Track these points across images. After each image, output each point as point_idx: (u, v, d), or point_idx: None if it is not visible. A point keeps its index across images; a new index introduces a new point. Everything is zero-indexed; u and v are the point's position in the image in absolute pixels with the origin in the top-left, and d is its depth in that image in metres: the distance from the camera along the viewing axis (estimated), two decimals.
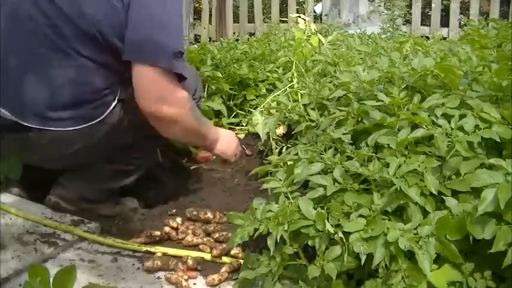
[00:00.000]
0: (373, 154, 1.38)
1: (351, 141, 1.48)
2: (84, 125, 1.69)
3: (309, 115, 1.77)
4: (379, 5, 5.70)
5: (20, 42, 1.69)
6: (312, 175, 1.39)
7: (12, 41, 1.70)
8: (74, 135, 1.70)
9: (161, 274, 1.58)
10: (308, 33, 2.76)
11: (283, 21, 5.87)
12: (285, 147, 2.12)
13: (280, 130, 2.24)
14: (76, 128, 1.69)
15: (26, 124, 1.68)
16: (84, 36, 1.63)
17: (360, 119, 1.55)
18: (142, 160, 1.96)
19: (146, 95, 1.61)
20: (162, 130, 1.72)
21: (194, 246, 1.73)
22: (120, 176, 1.94)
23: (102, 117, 1.70)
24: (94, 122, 1.69)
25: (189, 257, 1.63)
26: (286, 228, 1.30)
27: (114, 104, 1.72)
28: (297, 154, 1.51)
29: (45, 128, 1.68)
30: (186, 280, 1.53)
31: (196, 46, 3.43)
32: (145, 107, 1.62)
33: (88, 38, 1.63)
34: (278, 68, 2.69)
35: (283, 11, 6.37)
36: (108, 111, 1.71)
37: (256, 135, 2.27)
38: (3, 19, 1.72)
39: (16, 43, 1.70)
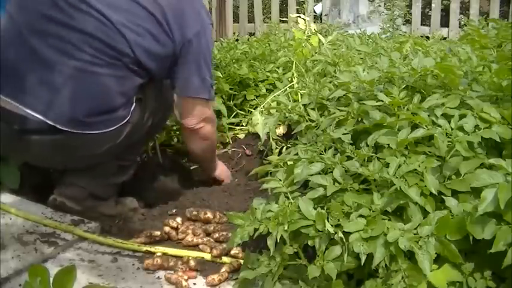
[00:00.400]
0: (373, 154, 1.38)
1: (351, 141, 1.48)
2: (113, 128, 1.79)
3: (309, 115, 1.77)
4: (379, 5, 5.70)
5: (58, 52, 1.73)
6: (312, 175, 1.39)
7: (49, 47, 1.73)
8: (104, 137, 1.80)
9: (161, 274, 1.58)
10: (308, 33, 2.75)
11: (283, 21, 5.87)
12: (285, 147, 2.12)
13: (280, 130, 2.24)
14: (106, 130, 1.78)
15: (60, 127, 1.72)
16: (128, 50, 1.76)
17: (360, 119, 1.55)
18: (135, 156, 2.09)
19: (191, 117, 1.99)
20: (196, 144, 2.09)
21: (194, 246, 1.73)
22: (121, 171, 1.98)
23: (128, 117, 1.82)
24: (121, 123, 1.81)
25: (189, 257, 1.63)
26: (286, 228, 1.30)
27: (134, 104, 1.85)
28: (297, 154, 1.51)
29: (80, 131, 1.75)
30: (186, 280, 1.53)
31: None
32: (191, 126, 2.01)
33: (129, 53, 1.77)
34: (278, 68, 2.69)
35: (283, 11, 6.37)
36: (131, 112, 1.84)
37: (256, 135, 2.27)
38: (39, 23, 1.75)
39: (54, 52, 1.73)
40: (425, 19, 6.00)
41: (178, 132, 2.49)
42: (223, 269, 1.58)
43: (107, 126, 1.78)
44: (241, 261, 1.57)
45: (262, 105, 2.36)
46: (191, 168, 2.37)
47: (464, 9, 6.08)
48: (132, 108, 1.84)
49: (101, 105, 1.77)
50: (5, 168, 1.95)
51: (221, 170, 2.27)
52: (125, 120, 1.81)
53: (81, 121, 1.74)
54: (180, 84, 1.95)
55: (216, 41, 4.73)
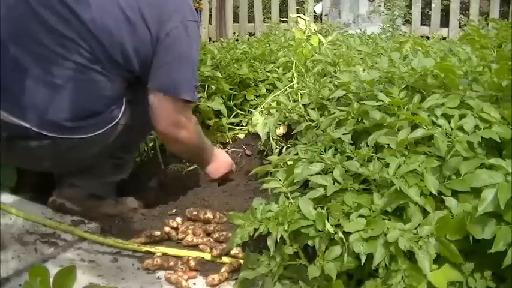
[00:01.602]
0: (373, 154, 1.38)
1: (351, 141, 1.48)
2: (102, 130, 1.77)
3: (309, 115, 1.76)
4: (379, 5, 5.70)
5: (41, 56, 1.72)
6: (312, 175, 1.39)
7: (31, 54, 1.72)
8: (92, 140, 1.78)
9: (161, 274, 1.58)
10: (308, 33, 2.76)
11: (283, 21, 5.87)
12: (285, 147, 2.12)
13: (280, 130, 2.24)
14: (94, 134, 1.77)
15: (45, 133, 1.72)
16: (106, 54, 1.74)
17: (360, 119, 1.54)
18: (131, 154, 2.09)
19: (164, 121, 1.83)
20: (170, 147, 2.00)
21: (194, 246, 1.73)
22: (119, 169, 1.99)
23: (117, 120, 1.81)
24: (110, 125, 1.79)
25: (189, 257, 1.63)
26: (286, 228, 1.30)
27: (124, 105, 1.83)
28: (297, 154, 1.50)
29: (67, 136, 1.74)
30: (186, 280, 1.53)
31: None
32: (162, 129, 1.85)
33: (108, 56, 1.74)
34: (278, 68, 2.69)
35: (283, 11, 6.37)
36: (121, 113, 1.82)
37: (256, 135, 2.26)
38: (20, 32, 1.74)
39: (36, 56, 1.72)
40: (425, 19, 6.00)
41: None
42: (223, 269, 1.58)
43: (95, 130, 1.77)
44: (241, 261, 1.57)
45: (262, 105, 2.35)
46: (191, 168, 2.37)
47: (464, 9, 6.08)
48: (123, 110, 1.82)
49: (85, 109, 1.75)
50: (2, 167, 1.95)
51: (217, 165, 2.12)
52: (114, 122, 1.79)
53: (66, 126, 1.73)
54: (157, 82, 1.81)
55: (216, 41, 4.74)
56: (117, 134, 1.83)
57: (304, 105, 1.89)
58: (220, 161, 2.14)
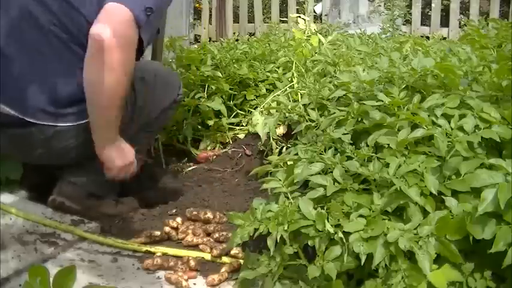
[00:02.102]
0: (373, 154, 1.38)
1: (351, 141, 1.48)
2: (86, 120, 1.71)
3: (309, 115, 1.76)
4: (379, 5, 5.70)
5: (23, 39, 1.71)
6: (312, 175, 1.39)
7: (14, 38, 1.71)
8: (76, 130, 1.73)
9: (161, 274, 1.58)
10: (308, 33, 2.76)
11: (283, 21, 5.87)
12: (285, 147, 2.12)
13: (280, 130, 2.24)
14: (77, 123, 1.72)
15: (31, 120, 1.69)
16: (70, 29, 1.68)
17: (360, 119, 1.55)
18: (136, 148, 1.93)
19: (105, 24, 1.56)
20: (94, 67, 1.59)
21: (194, 246, 1.73)
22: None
23: None
24: None
25: (189, 257, 1.63)
26: (286, 228, 1.30)
27: None
28: (297, 154, 1.51)
29: (52, 124, 1.70)
30: (186, 280, 1.53)
31: (196, 46, 3.43)
32: (99, 33, 1.55)
33: (73, 31, 1.68)
34: (278, 68, 2.68)
35: (283, 11, 6.37)
36: None
37: (256, 135, 2.26)
38: (3, 16, 1.73)
39: (18, 40, 1.71)
40: (425, 19, 6.00)
41: (178, 133, 2.49)
42: (223, 269, 1.58)
43: (78, 119, 1.71)
44: (241, 261, 1.57)
45: (262, 105, 2.35)
46: (191, 168, 2.37)
47: (464, 9, 6.07)
48: None
49: (66, 95, 1.70)
50: (6, 159, 1.95)
51: (116, 152, 1.76)
52: None
53: (49, 112, 1.69)
54: None
55: (216, 41, 4.74)
56: None
57: (304, 105, 1.89)
58: (123, 151, 1.80)
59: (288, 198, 1.41)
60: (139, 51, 1.69)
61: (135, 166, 1.86)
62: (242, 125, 2.58)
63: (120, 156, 1.78)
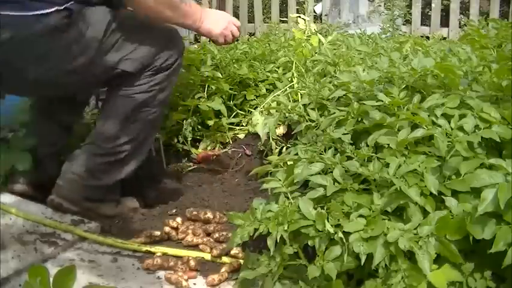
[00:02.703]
0: (373, 154, 1.38)
1: (351, 141, 1.48)
2: (53, 9, 1.59)
3: (309, 115, 1.76)
4: (379, 5, 5.70)
5: None
6: (312, 175, 1.39)
7: None
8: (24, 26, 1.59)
9: (161, 274, 1.58)
10: (308, 33, 2.76)
11: (283, 21, 5.87)
12: (285, 147, 2.12)
13: (280, 130, 2.24)
14: (43, 11, 1.58)
15: None
16: None
17: (360, 119, 1.54)
18: (133, 148, 1.88)
19: None
20: None
21: (194, 246, 1.73)
22: (113, 169, 1.89)
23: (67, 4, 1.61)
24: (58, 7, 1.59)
25: (189, 257, 1.63)
26: (286, 228, 1.30)
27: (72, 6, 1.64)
28: (296, 154, 1.51)
29: (16, 13, 1.57)
30: (186, 280, 1.53)
31: (196, 46, 3.42)
32: None
33: None
34: (278, 68, 2.68)
35: (283, 11, 6.37)
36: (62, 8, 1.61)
37: (256, 135, 2.26)
38: None
39: None
40: (425, 19, 6.00)
41: (179, 133, 2.49)
42: (223, 269, 1.58)
43: (48, 6, 1.58)
44: (241, 261, 1.57)
45: (262, 105, 2.35)
46: (191, 168, 2.37)
47: (464, 9, 6.07)
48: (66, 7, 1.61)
49: None
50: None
51: (214, 17, 1.85)
52: (51, 10, 1.59)
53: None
54: None
55: None
56: (65, 45, 1.63)
57: (304, 105, 1.89)
58: (214, 16, 1.89)
59: (288, 198, 1.41)
60: None
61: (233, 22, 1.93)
62: (242, 125, 2.58)
63: (215, 24, 1.86)
